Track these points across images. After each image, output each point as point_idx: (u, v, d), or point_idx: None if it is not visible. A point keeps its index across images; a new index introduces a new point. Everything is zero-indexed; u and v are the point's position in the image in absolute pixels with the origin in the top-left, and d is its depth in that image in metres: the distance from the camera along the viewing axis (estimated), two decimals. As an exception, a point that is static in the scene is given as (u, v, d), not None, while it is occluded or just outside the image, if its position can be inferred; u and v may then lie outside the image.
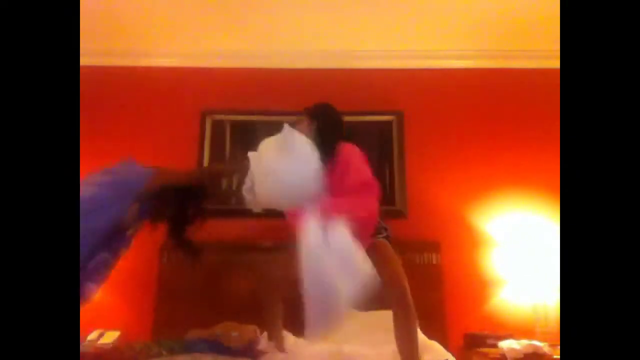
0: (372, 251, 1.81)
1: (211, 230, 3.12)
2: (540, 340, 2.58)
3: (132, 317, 2.95)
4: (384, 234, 2.06)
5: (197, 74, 3.44)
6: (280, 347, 2.19)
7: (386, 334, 2.34)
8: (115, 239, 1.70)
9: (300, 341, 2.32)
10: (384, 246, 2.01)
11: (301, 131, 1.96)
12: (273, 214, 3.14)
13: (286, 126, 1.77)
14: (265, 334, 2.38)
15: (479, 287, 3.04)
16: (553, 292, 2.85)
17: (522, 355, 2.39)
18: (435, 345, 2.39)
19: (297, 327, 1.88)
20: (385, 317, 2.76)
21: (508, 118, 3.34)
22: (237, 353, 2.25)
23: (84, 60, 3.21)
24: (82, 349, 2.38)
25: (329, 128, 2.04)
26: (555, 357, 2.41)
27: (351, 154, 1.94)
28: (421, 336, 2.62)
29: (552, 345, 2.49)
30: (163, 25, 3.16)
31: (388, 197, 3.19)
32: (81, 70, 3.14)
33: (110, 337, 2.75)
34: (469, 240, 3.12)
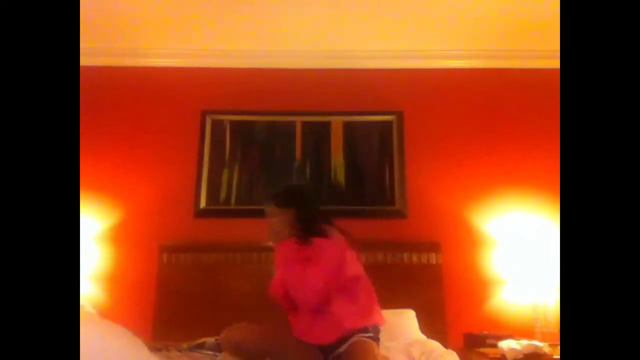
0: (352, 350, 1.76)
1: (211, 230, 3.15)
2: (540, 340, 2.58)
3: (131, 317, 2.95)
4: (370, 334, 1.83)
5: (197, 74, 3.44)
6: None
7: (386, 331, 2.34)
8: None
9: None
10: (365, 347, 1.77)
11: (279, 224, 1.96)
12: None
13: None
14: None
15: (479, 287, 3.04)
16: (553, 292, 2.85)
17: (522, 355, 2.39)
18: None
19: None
20: (388, 315, 2.76)
21: (508, 118, 3.34)
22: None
23: (84, 60, 3.24)
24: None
25: (308, 212, 1.98)
26: (555, 357, 2.41)
27: (325, 244, 1.86)
28: (421, 335, 2.63)
29: (552, 345, 2.49)
30: (163, 25, 3.16)
31: (388, 197, 3.20)
32: (81, 70, 3.16)
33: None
34: (469, 240, 3.12)
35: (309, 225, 1.93)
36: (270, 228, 2.02)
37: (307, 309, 1.85)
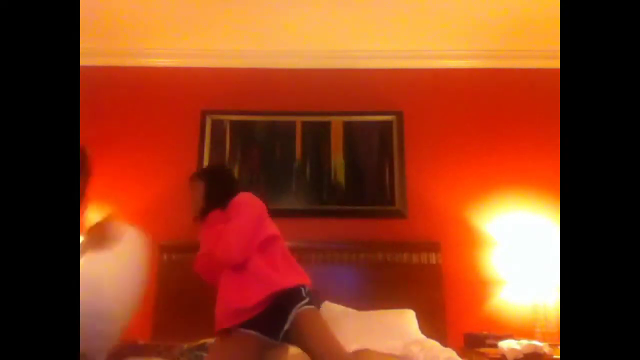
0: (300, 324, 1.66)
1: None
2: (540, 340, 2.58)
3: (131, 317, 2.95)
4: (306, 300, 1.72)
5: (197, 74, 3.44)
6: None
7: (386, 331, 2.34)
8: None
9: None
10: (312, 317, 1.71)
11: (197, 193, 2.06)
12: (273, 214, 3.16)
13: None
14: None
15: (479, 287, 3.04)
16: (553, 292, 2.85)
17: (522, 355, 2.39)
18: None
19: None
20: (383, 316, 2.77)
21: (508, 118, 3.34)
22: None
23: (84, 60, 3.24)
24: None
25: (217, 186, 2.07)
26: (555, 357, 2.41)
27: (240, 201, 1.92)
28: (421, 335, 2.63)
29: (552, 345, 2.49)
30: (163, 25, 3.16)
31: (388, 197, 3.20)
32: (81, 70, 3.16)
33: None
34: (469, 240, 3.12)
35: (217, 198, 1.99)
36: (191, 202, 2.09)
37: (228, 264, 1.80)
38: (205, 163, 3.25)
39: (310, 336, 1.65)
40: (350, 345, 2.33)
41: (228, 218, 1.86)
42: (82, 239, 1.36)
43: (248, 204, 1.89)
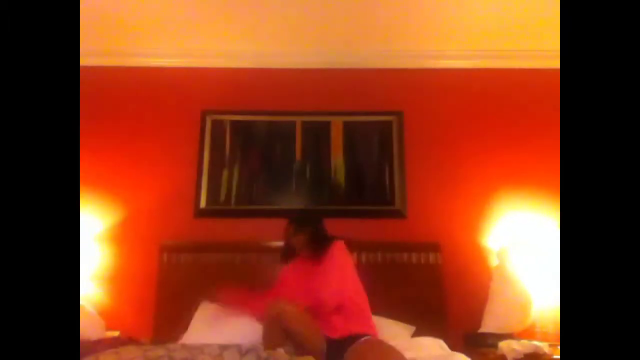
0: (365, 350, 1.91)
1: (211, 230, 3.15)
2: (540, 340, 2.58)
3: (132, 317, 2.96)
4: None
5: (197, 74, 3.44)
6: None
7: (387, 333, 2.31)
8: None
9: None
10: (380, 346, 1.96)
11: (299, 243, 2.35)
12: (273, 214, 3.16)
13: None
14: None
15: (479, 287, 3.04)
16: (553, 292, 2.85)
17: (522, 355, 2.38)
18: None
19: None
20: (381, 322, 2.73)
21: (508, 118, 3.34)
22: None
23: (84, 60, 3.24)
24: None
25: (321, 232, 2.39)
26: (555, 357, 2.41)
27: (343, 251, 2.24)
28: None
29: (552, 345, 2.49)
30: (163, 25, 3.16)
31: (388, 197, 3.20)
32: (81, 70, 3.16)
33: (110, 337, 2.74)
34: (469, 240, 3.11)
35: (319, 246, 2.29)
36: (285, 245, 2.46)
37: (330, 308, 2.14)
38: (206, 163, 3.25)
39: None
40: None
41: (328, 266, 2.16)
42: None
43: (349, 255, 2.28)
